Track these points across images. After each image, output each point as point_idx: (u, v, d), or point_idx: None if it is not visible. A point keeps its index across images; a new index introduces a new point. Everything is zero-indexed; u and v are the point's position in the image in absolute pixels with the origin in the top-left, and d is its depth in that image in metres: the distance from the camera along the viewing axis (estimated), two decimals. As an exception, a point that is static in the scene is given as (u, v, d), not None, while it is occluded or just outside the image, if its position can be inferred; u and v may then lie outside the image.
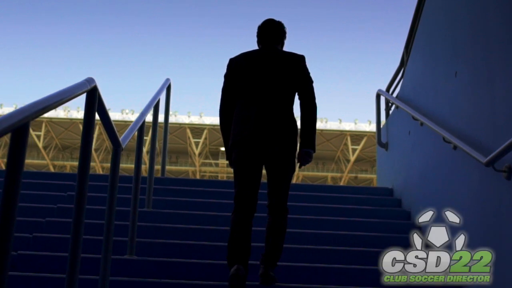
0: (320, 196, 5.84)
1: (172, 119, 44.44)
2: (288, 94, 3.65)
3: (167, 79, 6.04)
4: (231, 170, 3.78)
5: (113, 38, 69.18)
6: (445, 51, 4.80)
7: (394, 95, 6.62)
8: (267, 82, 3.63)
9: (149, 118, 4.78)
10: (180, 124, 45.18)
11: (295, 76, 3.64)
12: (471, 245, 4.02)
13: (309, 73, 3.71)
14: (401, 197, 5.85)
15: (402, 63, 6.35)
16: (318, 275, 3.95)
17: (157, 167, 5.90)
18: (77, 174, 2.64)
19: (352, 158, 46.50)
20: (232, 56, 3.82)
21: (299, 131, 3.67)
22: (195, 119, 45.54)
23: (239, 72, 3.69)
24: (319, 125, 43.16)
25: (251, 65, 3.68)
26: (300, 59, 3.70)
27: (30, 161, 46.64)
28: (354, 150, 46.30)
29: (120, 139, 3.47)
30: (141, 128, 4.20)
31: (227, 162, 3.80)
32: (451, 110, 4.53)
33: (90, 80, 2.65)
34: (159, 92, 5.29)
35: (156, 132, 5.22)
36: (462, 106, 4.32)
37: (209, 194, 5.59)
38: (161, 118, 6.40)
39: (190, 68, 73.97)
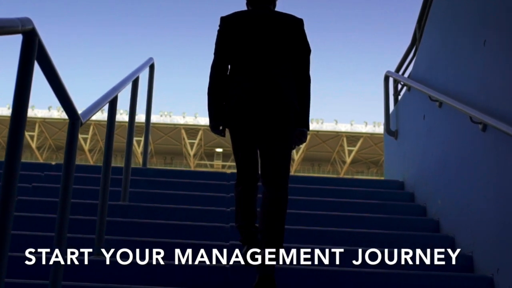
0: (322, 189, 5.18)
1: (167, 119, 44.02)
2: (288, 57, 3.26)
3: (150, 58, 5.40)
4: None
5: (109, 38, 68.60)
6: (470, 18, 4.14)
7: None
8: (266, 44, 3.24)
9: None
10: (175, 124, 44.76)
11: (294, 40, 3.28)
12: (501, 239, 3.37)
13: (307, 41, 3.34)
14: (414, 190, 5.19)
15: (414, 41, 5.70)
16: (322, 278, 3.30)
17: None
18: (7, 144, 1.96)
19: (348, 160, 46.09)
20: None
21: None
22: (190, 120, 45.07)
23: (233, 33, 3.27)
24: (315, 126, 42.71)
25: (247, 26, 3.28)
26: (300, 22, 3.35)
27: (23, 161, 45.99)
28: (350, 152, 45.85)
29: (80, 113, 2.80)
30: (113, 103, 3.54)
31: (211, 124, 3.32)
32: (479, 86, 3.86)
33: (25, 20, 1.98)
34: (139, 69, 4.64)
35: (135, 113, 4.54)
36: (493, 79, 3.65)
37: (197, 187, 4.95)
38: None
39: (185, 69, 73.45)
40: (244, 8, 3.46)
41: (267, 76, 3.16)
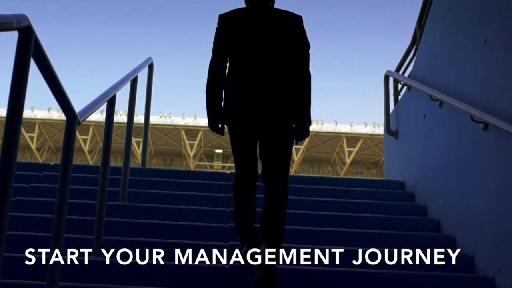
0: (322, 189, 5.15)
1: (166, 120, 43.93)
2: (288, 54, 3.24)
3: (149, 58, 5.37)
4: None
5: (109, 38, 68.60)
6: (471, 17, 4.12)
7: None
8: (265, 41, 3.21)
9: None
10: (174, 125, 44.64)
11: (293, 37, 3.27)
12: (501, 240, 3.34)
13: (307, 37, 3.33)
14: (414, 190, 5.16)
15: (414, 41, 5.67)
16: (322, 278, 3.27)
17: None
18: (3, 143, 1.93)
19: (348, 161, 46.00)
20: None
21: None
22: (189, 121, 44.96)
23: (232, 30, 3.25)
24: (314, 127, 42.63)
25: (246, 23, 3.25)
26: (300, 19, 3.33)
27: (22, 162, 45.92)
28: (350, 153, 45.77)
29: (78, 111, 2.77)
30: (111, 103, 3.51)
31: (210, 123, 3.30)
32: (480, 84, 3.84)
33: (20, 17, 1.96)
34: (138, 69, 4.61)
35: (133, 112, 4.51)
36: (494, 78, 3.63)
37: (196, 187, 4.91)
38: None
39: (185, 70, 73.41)
40: (243, 6, 3.44)
41: (266, 74, 3.14)
